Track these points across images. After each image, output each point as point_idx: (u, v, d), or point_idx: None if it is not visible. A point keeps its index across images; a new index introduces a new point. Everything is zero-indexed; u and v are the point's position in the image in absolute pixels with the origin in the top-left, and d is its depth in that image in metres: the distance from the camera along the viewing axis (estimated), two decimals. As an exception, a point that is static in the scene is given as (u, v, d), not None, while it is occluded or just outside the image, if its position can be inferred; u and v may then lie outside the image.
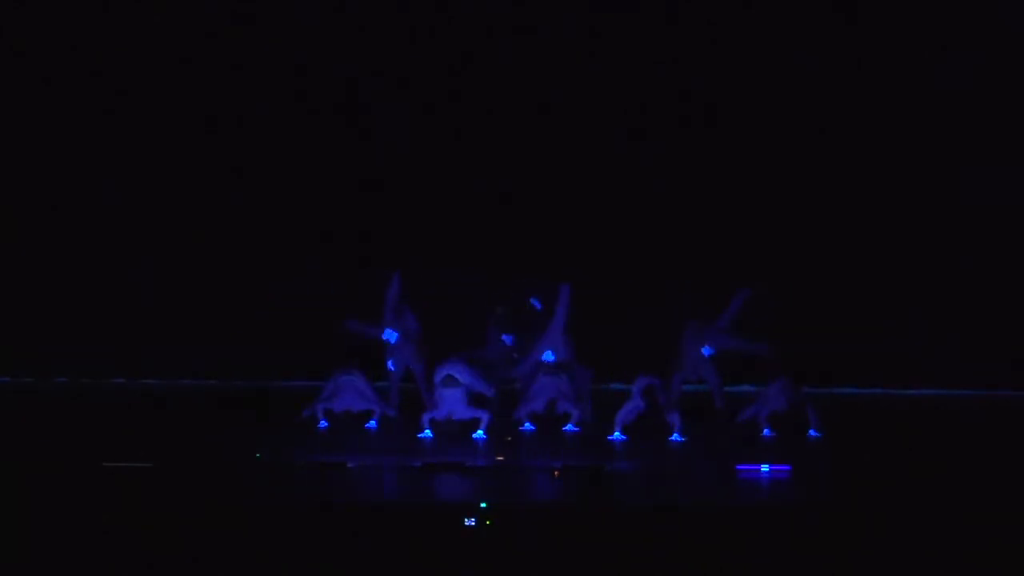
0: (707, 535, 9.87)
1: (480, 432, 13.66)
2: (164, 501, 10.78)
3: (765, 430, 13.98)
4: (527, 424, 14.23)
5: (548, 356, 14.66)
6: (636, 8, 17.67)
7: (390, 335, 15.04)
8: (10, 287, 17.94)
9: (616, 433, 13.73)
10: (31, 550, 9.55)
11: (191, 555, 9.46)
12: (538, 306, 15.58)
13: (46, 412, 15.54)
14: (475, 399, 14.25)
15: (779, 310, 17.14)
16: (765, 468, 12.11)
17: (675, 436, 13.66)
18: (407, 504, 11.10)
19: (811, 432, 13.94)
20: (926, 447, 13.78)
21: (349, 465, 12.25)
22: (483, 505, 10.27)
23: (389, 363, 15.15)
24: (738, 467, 12.18)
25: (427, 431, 13.75)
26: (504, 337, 15.73)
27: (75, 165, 18.08)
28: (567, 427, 14.12)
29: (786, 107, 17.62)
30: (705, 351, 15.06)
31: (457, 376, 13.94)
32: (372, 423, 14.38)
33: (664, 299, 16.98)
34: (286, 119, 18.01)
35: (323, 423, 14.25)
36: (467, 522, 9.97)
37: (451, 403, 13.90)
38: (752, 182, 17.72)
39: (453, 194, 17.98)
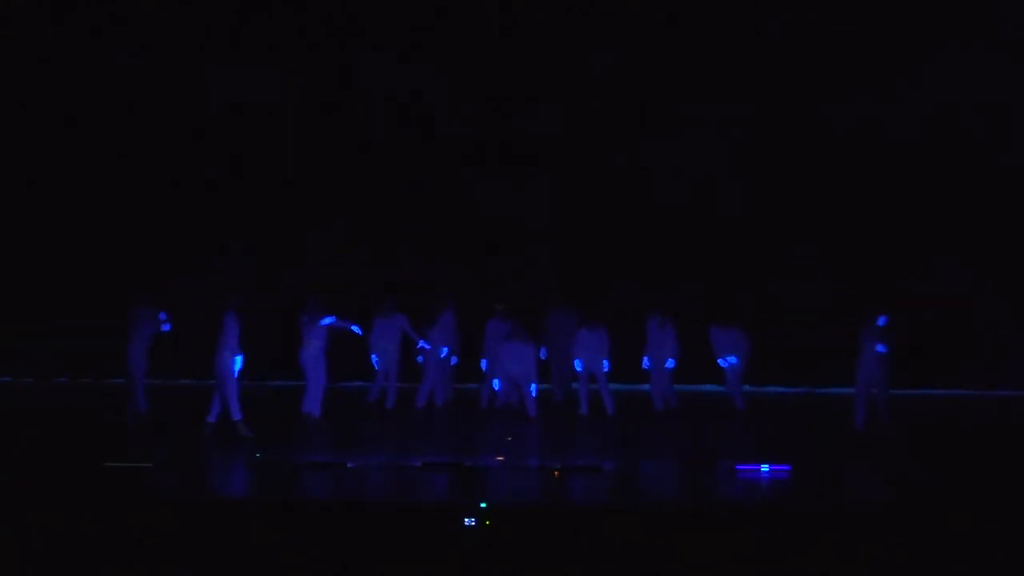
0: (707, 535, 9.87)
1: None
2: (163, 501, 10.79)
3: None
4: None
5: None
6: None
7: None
8: (11, 288, 17.99)
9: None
10: (31, 549, 9.56)
11: (191, 554, 9.47)
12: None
13: (46, 412, 15.54)
14: None
15: (783, 312, 17.29)
16: (765, 468, 12.11)
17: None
18: (407, 504, 11.10)
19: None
20: (925, 447, 13.78)
21: (349, 465, 12.25)
22: (483, 505, 10.28)
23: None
24: (738, 467, 12.19)
25: None
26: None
27: (80, 167, 18.17)
28: None
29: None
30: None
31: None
32: None
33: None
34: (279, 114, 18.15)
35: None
36: (467, 522, 9.97)
37: None
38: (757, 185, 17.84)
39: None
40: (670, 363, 15.76)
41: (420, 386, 16.02)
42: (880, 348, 14.29)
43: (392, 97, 18.13)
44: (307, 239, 18.28)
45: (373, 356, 15.98)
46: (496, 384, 15.66)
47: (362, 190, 18.17)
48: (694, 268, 17.72)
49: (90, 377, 17.96)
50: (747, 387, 16.27)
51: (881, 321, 14.32)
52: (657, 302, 15.99)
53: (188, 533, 9.82)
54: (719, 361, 15.76)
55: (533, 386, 15.22)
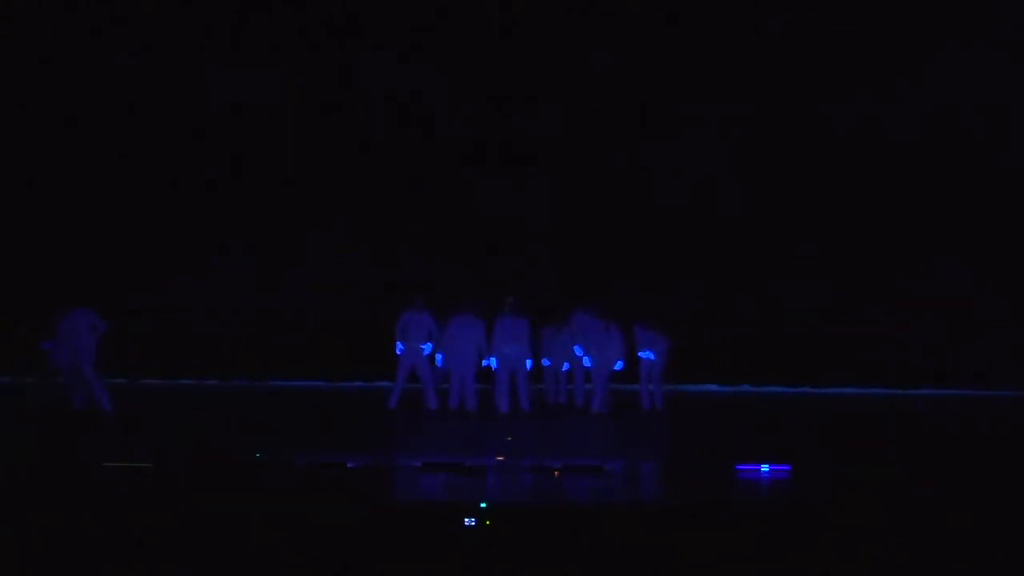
0: (707, 535, 9.87)
1: None
2: (164, 501, 10.78)
3: None
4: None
5: None
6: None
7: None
8: (11, 288, 17.98)
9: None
10: (31, 549, 9.56)
11: (191, 554, 9.46)
12: None
13: (48, 412, 15.53)
14: None
15: (783, 312, 17.28)
16: (765, 468, 12.11)
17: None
18: (407, 504, 11.09)
19: None
20: (925, 447, 13.78)
21: (349, 465, 12.24)
22: (483, 505, 10.27)
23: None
24: (738, 467, 12.19)
25: None
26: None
27: (80, 167, 18.17)
28: None
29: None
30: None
31: None
32: None
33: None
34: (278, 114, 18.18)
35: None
36: (467, 522, 9.96)
37: None
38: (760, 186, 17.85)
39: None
40: (619, 365, 15.71)
41: (494, 389, 15.83)
42: None
43: (392, 97, 18.15)
44: (307, 239, 18.29)
45: (398, 344, 15.62)
46: (438, 360, 15.60)
47: (362, 190, 18.18)
48: (694, 268, 17.74)
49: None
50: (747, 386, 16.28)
51: None
52: (602, 305, 15.96)
53: (188, 533, 9.82)
54: (639, 354, 15.72)
55: (488, 362, 15.29)
